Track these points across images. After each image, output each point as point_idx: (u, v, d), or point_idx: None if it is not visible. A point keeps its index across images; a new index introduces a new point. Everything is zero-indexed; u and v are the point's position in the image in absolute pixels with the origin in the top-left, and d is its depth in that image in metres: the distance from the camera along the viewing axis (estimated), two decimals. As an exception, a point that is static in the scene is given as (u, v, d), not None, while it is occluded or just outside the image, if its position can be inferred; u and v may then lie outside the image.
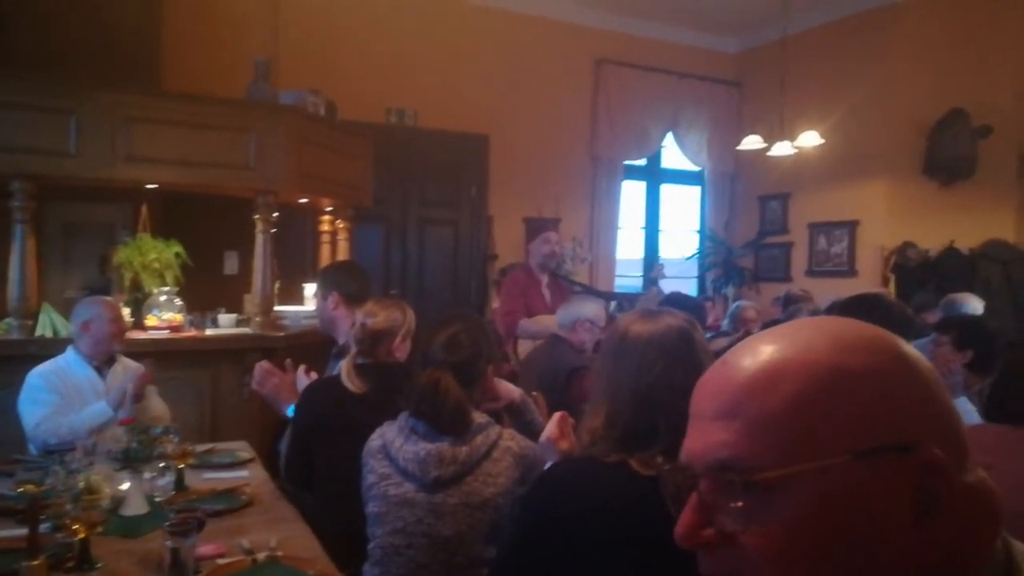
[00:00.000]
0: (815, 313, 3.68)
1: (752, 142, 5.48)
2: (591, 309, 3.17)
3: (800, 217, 6.62)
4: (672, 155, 7.14)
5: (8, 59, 3.69)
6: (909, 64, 5.86)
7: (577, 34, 6.37)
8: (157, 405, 2.83)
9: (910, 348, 0.60)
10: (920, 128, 5.81)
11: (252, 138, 3.54)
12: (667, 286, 5.73)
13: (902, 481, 0.54)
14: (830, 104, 6.07)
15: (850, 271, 6.19)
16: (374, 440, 1.85)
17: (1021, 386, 1.83)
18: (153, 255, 3.57)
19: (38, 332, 3.31)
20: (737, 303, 5.15)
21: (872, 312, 2.50)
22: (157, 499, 2.07)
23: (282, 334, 3.68)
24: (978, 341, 2.80)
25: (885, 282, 5.85)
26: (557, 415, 1.66)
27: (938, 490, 0.54)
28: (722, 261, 6.92)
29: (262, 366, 2.50)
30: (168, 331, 3.51)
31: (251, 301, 3.75)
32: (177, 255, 3.67)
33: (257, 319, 3.65)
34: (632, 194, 6.99)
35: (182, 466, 2.23)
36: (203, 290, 3.96)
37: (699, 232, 7.30)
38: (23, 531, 1.62)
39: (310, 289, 4.05)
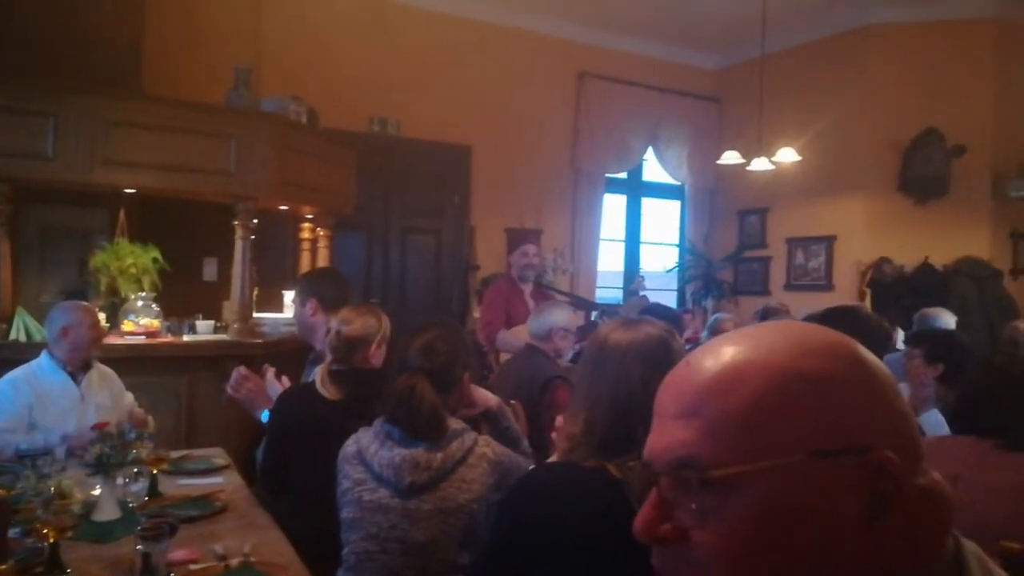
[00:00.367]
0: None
1: (731, 157, 5.55)
2: (563, 316, 3.19)
3: (778, 232, 6.71)
4: (653, 169, 7.20)
5: (-13, 61, 3.66)
6: (884, 84, 5.98)
7: (560, 47, 6.43)
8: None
9: (868, 354, 0.61)
10: (895, 146, 5.92)
11: (233, 144, 3.53)
12: (648, 298, 5.78)
13: (855, 483, 0.55)
14: (807, 121, 6.18)
15: (827, 285, 6.27)
16: (349, 446, 1.85)
17: (986, 399, 1.86)
18: (130, 260, 3.54)
19: (11, 336, 3.27)
20: (716, 315, 5.19)
21: (848, 324, 2.54)
22: (130, 504, 2.05)
23: (260, 341, 3.66)
24: (949, 355, 2.85)
25: (861, 296, 5.94)
26: None
27: (890, 492, 0.55)
28: (702, 274, 6.99)
29: (239, 371, 2.49)
30: (145, 337, 3.49)
31: (230, 308, 3.73)
32: (155, 260, 3.65)
33: (235, 326, 3.63)
34: (613, 207, 7.04)
35: (156, 472, 2.22)
36: (182, 296, 3.94)
37: (679, 245, 7.36)
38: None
39: (290, 296, 4.04)
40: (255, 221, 3.65)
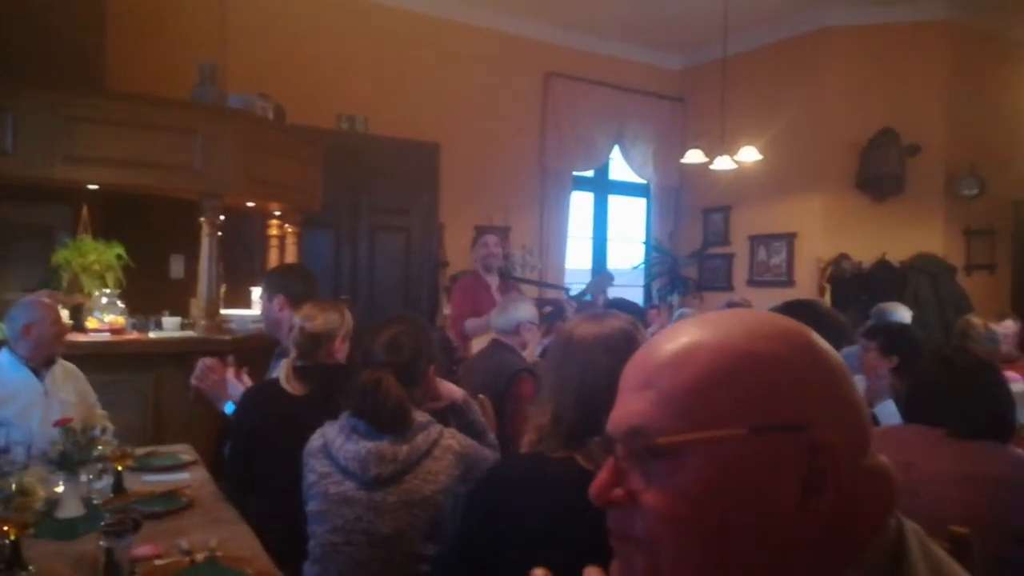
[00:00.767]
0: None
1: (694, 156, 5.64)
2: (527, 309, 3.24)
3: (741, 229, 6.84)
4: (619, 167, 7.28)
5: (-57, 54, 3.59)
6: (841, 85, 6.13)
7: (528, 47, 6.47)
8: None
9: (821, 342, 0.65)
10: (853, 146, 6.06)
11: (197, 140, 3.50)
12: (615, 295, 5.84)
13: (792, 458, 0.58)
14: (768, 121, 6.31)
15: (789, 281, 6.41)
16: (315, 440, 1.87)
17: (936, 388, 1.92)
18: (93, 256, 3.50)
19: (-28, 334, 3.21)
20: (680, 311, 5.30)
21: (805, 317, 2.60)
22: (95, 501, 2.04)
23: (228, 338, 3.64)
24: (903, 347, 2.94)
25: (821, 292, 6.08)
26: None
27: (826, 470, 0.58)
28: (667, 271, 7.08)
29: (204, 362, 2.50)
30: (110, 334, 3.45)
31: (197, 305, 3.71)
32: (119, 257, 3.61)
33: (202, 323, 3.61)
34: (581, 204, 7.11)
35: (121, 468, 2.20)
36: (148, 293, 3.89)
37: (645, 243, 7.46)
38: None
39: (257, 293, 4.02)
40: (222, 218, 3.62)
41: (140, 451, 2.58)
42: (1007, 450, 1.77)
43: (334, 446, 1.81)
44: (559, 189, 6.72)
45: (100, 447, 2.08)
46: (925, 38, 5.98)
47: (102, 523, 1.60)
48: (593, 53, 6.80)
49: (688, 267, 7.10)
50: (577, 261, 7.08)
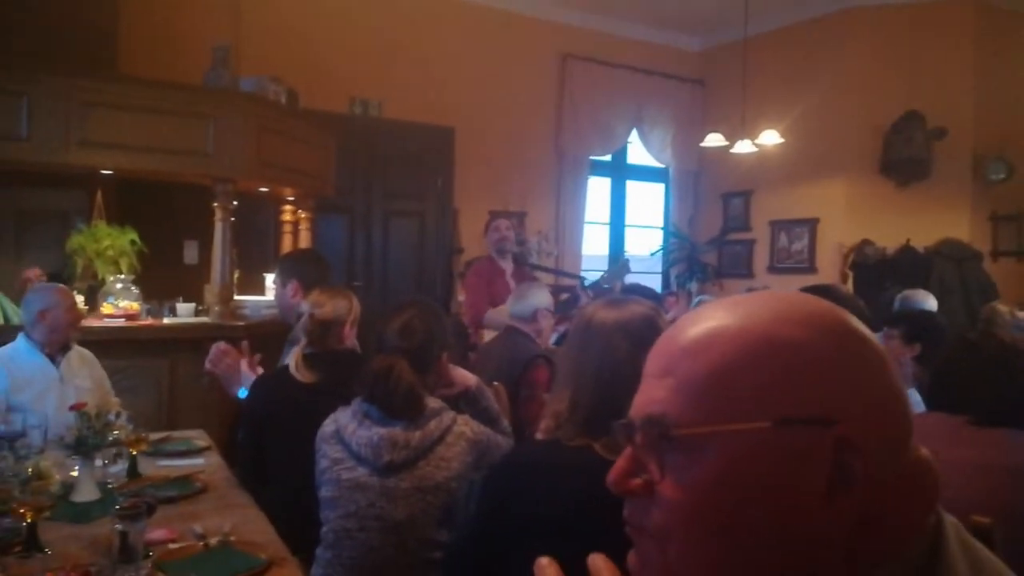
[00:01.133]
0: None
1: (714, 140, 5.56)
2: (543, 296, 3.22)
3: (762, 214, 6.74)
4: (637, 152, 7.20)
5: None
6: (865, 66, 6.00)
7: (544, 29, 6.39)
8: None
9: (857, 325, 0.59)
10: (876, 129, 5.95)
11: (210, 124, 3.50)
12: (632, 281, 5.78)
13: (818, 453, 0.54)
14: (789, 104, 6.19)
15: (810, 268, 6.32)
16: (327, 425, 1.85)
17: (959, 375, 1.88)
18: (107, 242, 3.50)
19: (-11, 319, 3.24)
20: (699, 298, 5.24)
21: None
22: (109, 485, 2.04)
23: (242, 324, 3.64)
24: (927, 335, 2.88)
25: (844, 278, 5.99)
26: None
27: (854, 465, 0.54)
28: (686, 257, 7.01)
29: (218, 346, 2.50)
30: (124, 320, 3.46)
31: (210, 291, 3.71)
32: (132, 242, 3.61)
33: (216, 308, 3.61)
34: (598, 189, 7.04)
35: (135, 453, 2.21)
36: (163, 279, 3.90)
37: (663, 228, 7.38)
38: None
39: (271, 279, 4.02)
40: (235, 203, 3.62)
41: (155, 436, 2.59)
42: (1030, 438, 1.72)
43: (347, 432, 1.79)
44: (576, 174, 6.65)
45: (115, 432, 2.09)
46: (951, 17, 5.83)
47: (117, 507, 1.60)
48: (611, 34, 6.71)
49: (707, 253, 7.02)
50: (594, 247, 7.02)
